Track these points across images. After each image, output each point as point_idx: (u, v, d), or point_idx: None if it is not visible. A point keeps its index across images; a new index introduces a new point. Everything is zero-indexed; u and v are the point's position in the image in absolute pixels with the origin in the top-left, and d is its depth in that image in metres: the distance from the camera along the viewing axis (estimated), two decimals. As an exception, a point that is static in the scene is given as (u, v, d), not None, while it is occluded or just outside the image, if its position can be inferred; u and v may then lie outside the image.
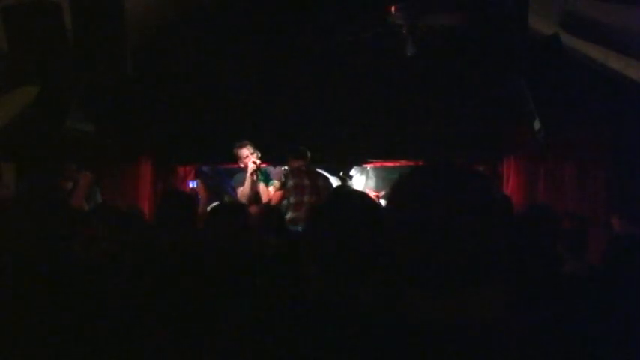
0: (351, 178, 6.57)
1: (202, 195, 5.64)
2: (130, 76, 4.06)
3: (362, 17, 5.43)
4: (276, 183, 5.53)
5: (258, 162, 5.35)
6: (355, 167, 6.80)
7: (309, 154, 5.44)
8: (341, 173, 6.44)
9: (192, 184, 6.45)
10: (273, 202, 5.32)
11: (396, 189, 0.96)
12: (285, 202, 5.28)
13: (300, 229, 5.15)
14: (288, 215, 5.18)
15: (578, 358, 0.94)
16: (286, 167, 5.75)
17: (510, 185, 6.20)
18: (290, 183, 5.28)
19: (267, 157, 5.77)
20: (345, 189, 5.16)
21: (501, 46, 4.64)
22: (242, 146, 5.41)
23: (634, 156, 5.30)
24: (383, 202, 5.70)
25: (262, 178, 5.43)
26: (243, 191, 5.38)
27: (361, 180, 7.28)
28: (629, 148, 5.36)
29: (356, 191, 2.64)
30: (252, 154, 5.38)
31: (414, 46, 4.96)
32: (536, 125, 4.65)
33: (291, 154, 5.46)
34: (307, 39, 5.84)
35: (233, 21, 5.71)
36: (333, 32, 5.66)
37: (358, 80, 6.07)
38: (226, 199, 5.86)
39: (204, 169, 7.03)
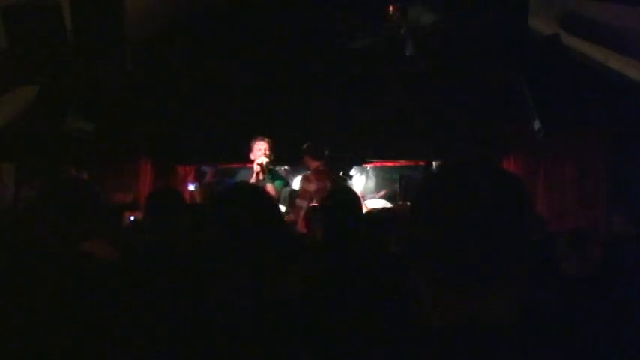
0: (351, 178, 6.55)
1: (199, 200, 5.61)
2: (130, 76, 4.07)
3: (362, 18, 5.43)
4: (277, 183, 5.49)
5: (264, 162, 5.15)
6: (355, 167, 6.78)
7: (327, 153, 5.05)
8: (341, 173, 6.42)
9: (191, 187, 6.33)
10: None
11: (425, 186, 0.94)
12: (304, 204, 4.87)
13: None
14: None
15: (577, 357, 0.93)
16: (286, 167, 5.66)
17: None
18: (312, 187, 4.90)
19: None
20: (341, 188, 5.06)
21: (501, 46, 4.63)
22: (260, 140, 5.16)
23: (634, 155, 5.31)
24: (378, 203, 5.66)
25: (270, 178, 5.28)
26: None
27: (361, 180, 7.26)
28: (629, 148, 5.36)
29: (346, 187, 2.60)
30: (260, 151, 5.15)
31: (413, 46, 4.96)
32: (536, 125, 4.65)
33: (311, 153, 4.99)
34: (307, 40, 5.84)
35: (234, 22, 5.71)
36: (333, 34, 5.66)
37: (358, 80, 6.07)
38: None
39: (204, 169, 7.02)
